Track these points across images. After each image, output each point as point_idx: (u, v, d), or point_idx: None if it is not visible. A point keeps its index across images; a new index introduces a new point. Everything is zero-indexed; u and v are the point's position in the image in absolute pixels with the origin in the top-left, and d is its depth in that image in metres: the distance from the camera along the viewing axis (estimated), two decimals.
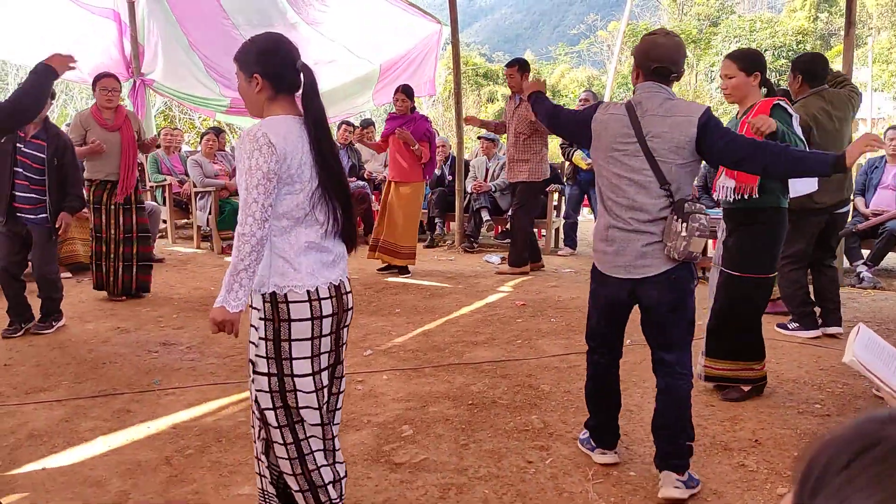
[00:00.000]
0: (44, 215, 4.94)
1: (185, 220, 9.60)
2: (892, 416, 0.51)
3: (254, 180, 2.14)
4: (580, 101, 8.35)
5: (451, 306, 5.84)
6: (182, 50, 9.99)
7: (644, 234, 2.77)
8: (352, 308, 2.45)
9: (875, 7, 27.98)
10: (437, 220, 8.90)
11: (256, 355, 2.29)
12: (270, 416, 2.31)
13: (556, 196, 8.65)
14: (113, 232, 5.91)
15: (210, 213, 8.49)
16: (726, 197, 3.64)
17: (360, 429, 3.47)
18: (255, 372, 2.31)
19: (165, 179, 8.90)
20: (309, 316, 2.26)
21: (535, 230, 8.00)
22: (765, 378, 3.82)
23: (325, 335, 2.32)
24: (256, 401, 2.33)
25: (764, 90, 3.76)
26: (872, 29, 28.55)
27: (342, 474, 2.46)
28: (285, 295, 2.24)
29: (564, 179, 8.64)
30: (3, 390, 4.03)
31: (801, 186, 3.77)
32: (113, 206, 5.89)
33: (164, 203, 8.89)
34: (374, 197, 9.38)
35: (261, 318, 2.27)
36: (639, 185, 2.76)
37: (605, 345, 3.03)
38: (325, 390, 2.37)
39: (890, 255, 6.55)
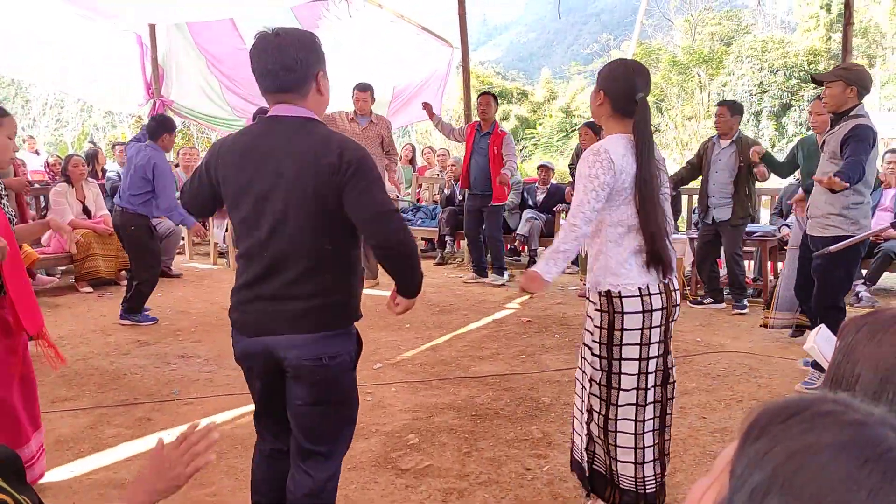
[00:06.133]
0: None
1: None
2: (818, 396, 0.67)
3: (591, 185, 2.55)
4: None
5: (459, 322, 6.03)
6: (199, 72, 10.30)
7: None
8: (679, 304, 2.73)
9: (890, 27, 28.03)
10: (447, 238, 9.09)
11: (592, 340, 2.70)
12: (594, 389, 2.72)
13: (563, 216, 8.82)
14: None
15: (226, 230, 8.71)
16: None
17: (369, 437, 3.66)
18: (590, 354, 2.71)
19: None
20: (640, 309, 2.60)
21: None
22: None
23: (655, 326, 2.63)
24: (590, 378, 2.73)
25: None
26: (886, 49, 28.59)
27: (650, 458, 2.70)
28: (619, 291, 2.60)
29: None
30: None
31: None
32: None
33: None
34: None
35: (596, 310, 2.67)
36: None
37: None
38: (651, 376, 2.67)
39: (887, 274, 6.70)
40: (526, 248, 8.89)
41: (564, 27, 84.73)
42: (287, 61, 2.11)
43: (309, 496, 2.31)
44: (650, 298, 2.60)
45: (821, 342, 1.71)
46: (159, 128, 6.03)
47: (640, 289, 2.60)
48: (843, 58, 6.28)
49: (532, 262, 8.60)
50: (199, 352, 5.18)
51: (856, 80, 4.04)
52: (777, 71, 23.62)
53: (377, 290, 7.31)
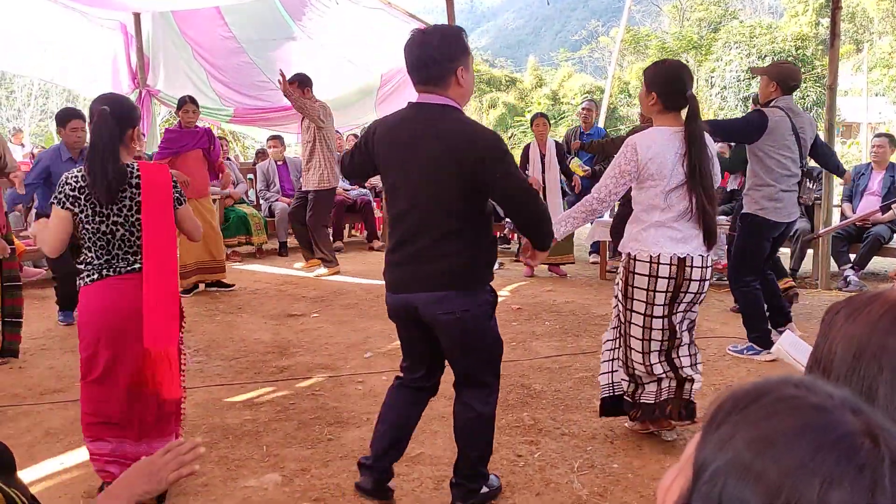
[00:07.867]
0: None
1: None
2: (782, 379, 0.67)
3: (612, 171, 3.09)
4: (583, 108, 8.53)
5: None
6: (185, 61, 10.21)
7: (795, 192, 4.44)
8: (700, 280, 3.10)
9: (876, 12, 28.11)
10: None
11: (618, 290, 3.24)
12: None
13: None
14: None
15: (216, 221, 8.66)
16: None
17: (361, 426, 3.66)
18: (615, 299, 3.31)
19: None
20: (647, 273, 3.08)
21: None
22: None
23: (660, 291, 3.08)
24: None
25: None
26: (874, 34, 28.67)
27: (675, 366, 3.20)
28: (634, 255, 3.11)
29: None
30: (18, 392, 4.22)
31: None
32: None
33: None
34: (375, 204, 9.60)
35: (622, 268, 3.19)
36: (793, 161, 4.36)
37: (760, 273, 4.48)
38: (657, 332, 3.13)
39: (875, 258, 6.73)
40: (515, 235, 8.88)
41: (552, 14, 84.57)
42: (425, 57, 2.45)
43: (469, 421, 2.71)
44: (658, 266, 3.05)
45: (787, 346, 1.71)
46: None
47: (650, 256, 3.05)
48: (832, 43, 6.28)
49: None
50: (189, 343, 5.15)
51: (776, 76, 4.44)
52: (765, 56, 23.63)
53: (363, 279, 7.29)
